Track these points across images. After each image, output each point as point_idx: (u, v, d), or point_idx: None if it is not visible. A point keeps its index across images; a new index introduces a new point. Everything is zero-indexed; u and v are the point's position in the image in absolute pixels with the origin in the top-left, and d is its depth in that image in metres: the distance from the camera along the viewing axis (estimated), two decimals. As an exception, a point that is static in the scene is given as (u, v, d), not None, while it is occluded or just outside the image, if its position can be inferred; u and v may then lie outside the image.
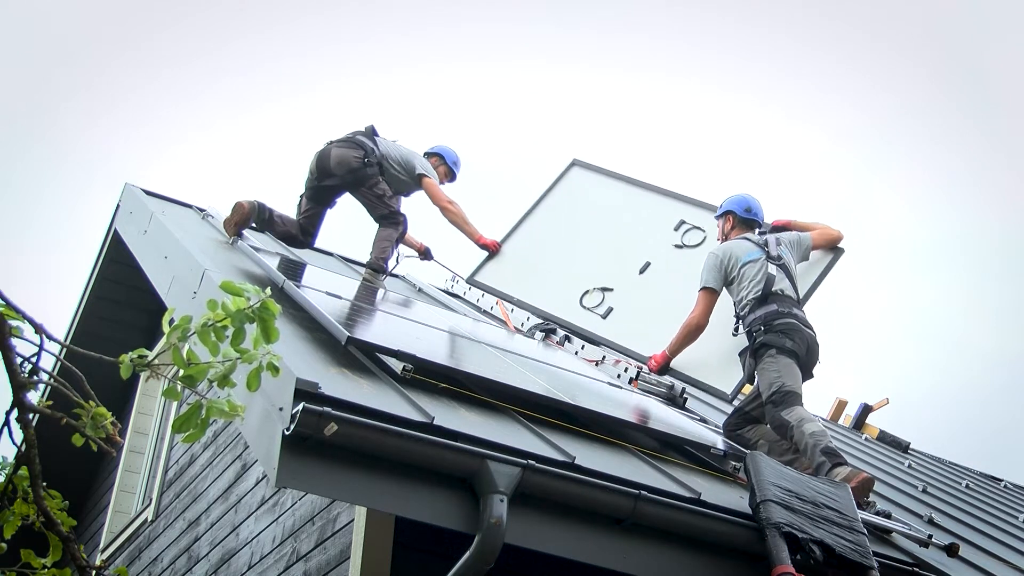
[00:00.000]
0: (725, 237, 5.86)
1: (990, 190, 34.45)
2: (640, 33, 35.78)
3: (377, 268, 6.62)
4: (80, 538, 8.51)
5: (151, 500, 7.35)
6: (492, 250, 7.18)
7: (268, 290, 2.30)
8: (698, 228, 6.64)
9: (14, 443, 2.35)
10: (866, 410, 10.70)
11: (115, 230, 7.74)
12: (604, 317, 6.56)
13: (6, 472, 2.48)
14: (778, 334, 5.22)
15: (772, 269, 5.44)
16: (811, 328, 5.36)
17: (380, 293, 6.03)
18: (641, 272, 6.63)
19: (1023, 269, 34.98)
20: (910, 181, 35.79)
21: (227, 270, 5.30)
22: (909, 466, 8.59)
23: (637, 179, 7.07)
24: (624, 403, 5.21)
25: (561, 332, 6.85)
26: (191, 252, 5.35)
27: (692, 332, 5.61)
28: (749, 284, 5.43)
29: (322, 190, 6.73)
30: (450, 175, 7.30)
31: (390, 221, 6.73)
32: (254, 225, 6.63)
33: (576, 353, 6.57)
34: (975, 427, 28.99)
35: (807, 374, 5.29)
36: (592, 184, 7.14)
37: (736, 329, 5.62)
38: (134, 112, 38.25)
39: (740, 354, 5.55)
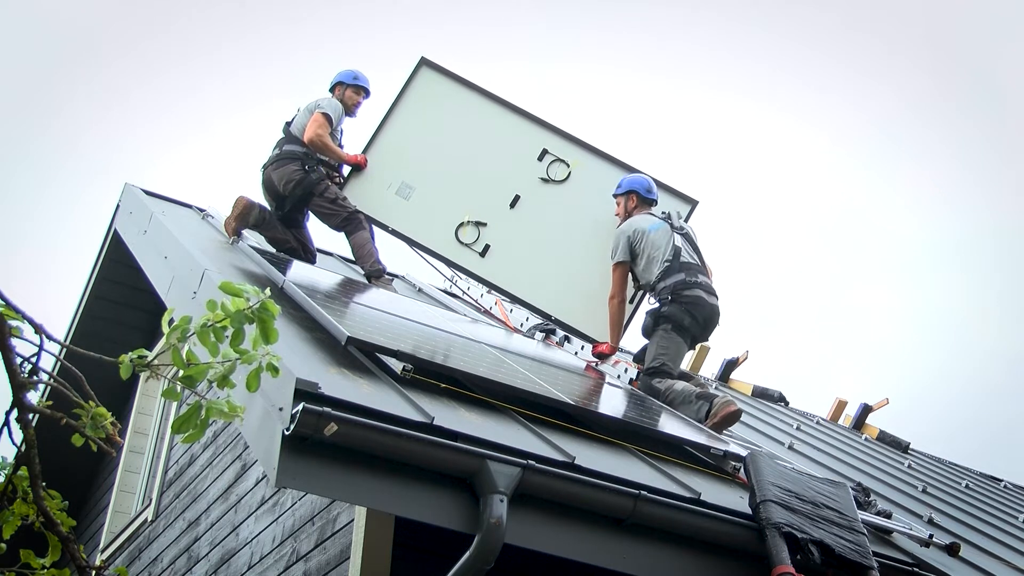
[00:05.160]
0: (628, 214, 6.40)
1: (989, 190, 34.47)
2: (639, 33, 35.78)
3: (377, 275, 6.59)
4: (80, 538, 8.51)
5: (151, 500, 7.34)
6: (362, 166, 6.75)
7: (268, 290, 2.30)
8: (562, 161, 6.78)
9: (14, 443, 2.35)
10: (866, 410, 10.70)
11: (115, 230, 7.74)
12: (482, 255, 6.64)
13: (6, 472, 2.48)
14: (681, 307, 5.83)
15: (678, 240, 6.05)
16: (715, 295, 5.96)
17: (380, 293, 6.02)
18: (512, 206, 6.71)
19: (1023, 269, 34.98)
20: (910, 181, 35.79)
21: (227, 270, 5.30)
22: (909, 466, 8.58)
23: (491, 92, 6.93)
24: (624, 403, 5.22)
25: (561, 332, 6.85)
26: (191, 252, 5.35)
27: (618, 309, 6.21)
28: (656, 252, 6.00)
29: (288, 215, 6.72)
30: (360, 92, 7.01)
31: (353, 225, 6.61)
32: (254, 225, 6.62)
33: (576, 353, 6.57)
34: (975, 427, 29.00)
35: (703, 339, 6.03)
36: (447, 92, 6.88)
37: (636, 296, 6.28)
38: (134, 112, 38.23)
39: (647, 312, 6.10)
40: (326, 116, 6.66)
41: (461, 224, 6.66)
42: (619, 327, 6.22)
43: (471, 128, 6.83)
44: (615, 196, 6.51)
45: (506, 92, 7.00)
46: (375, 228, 6.77)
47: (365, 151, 6.80)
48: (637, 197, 6.40)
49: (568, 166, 6.75)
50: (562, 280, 6.66)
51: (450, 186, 6.75)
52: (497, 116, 6.83)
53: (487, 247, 6.63)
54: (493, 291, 6.94)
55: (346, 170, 6.85)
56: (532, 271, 6.67)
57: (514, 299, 6.74)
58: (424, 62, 6.91)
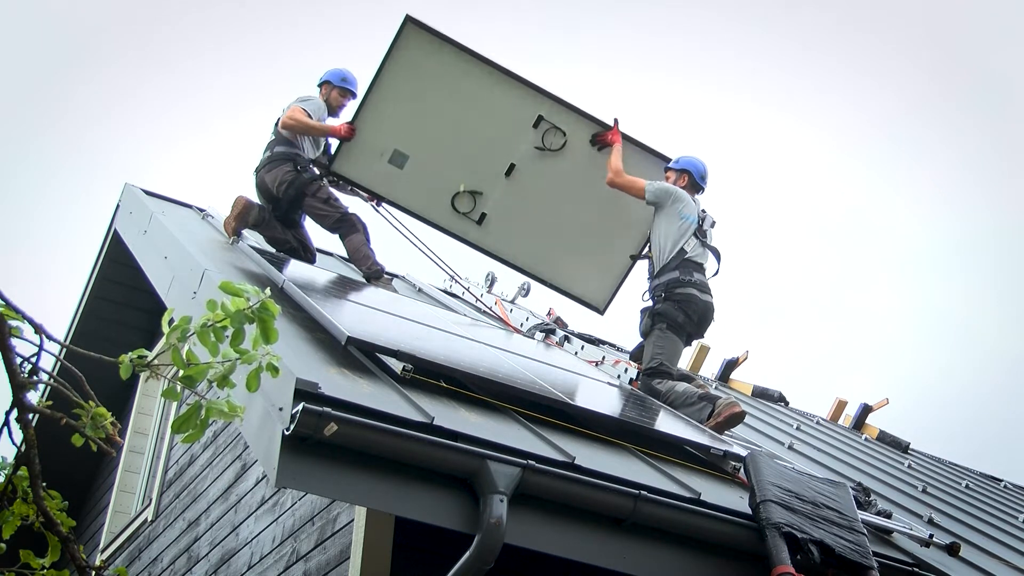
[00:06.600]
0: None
1: (989, 190, 34.46)
2: (639, 32, 35.79)
3: (376, 276, 6.56)
4: (80, 538, 8.51)
5: (151, 500, 7.34)
6: (350, 137, 6.51)
7: (268, 290, 2.30)
8: (558, 128, 6.58)
9: (14, 443, 2.35)
10: (866, 410, 10.70)
11: (115, 230, 7.73)
12: (479, 223, 6.62)
13: (6, 472, 2.48)
14: (674, 305, 5.92)
15: (692, 243, 6.10)
16: (708, 293, 6.04)
17: (380, 293, 6.02)
18: (508, 175, 6.60)
19: None
20: (911, 181, 35.79)
21: (227, 270, 5.30)
22: (909, 466, 8.58)
23: (481, 54, 6.58)
24: (624, 403, 5.22)
25: (561, 332, 6.85)
26: (191, 252, 5.35)
27: (610, 178, 6.32)
28: (670, 239, 6.06)
29: (286, 215, 6.69)
30: (345, 93, 6.90)
31: (347, 226, 6.56)
32: (253, 224, 6.61)
33: (576, 353, 6.58)
34: (975, 427, 28.98)
35: (698, 336, 6.12)
36: (435, 53, 6.47)
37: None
38: (134, 112, 38.23)
39: (641, 311, 6.17)
40: (303, 110, 6.64)
41: (457, 194, 6.60)
42: (617, 161, 6.34)
43: (462, 92, 6.57)
44: (668, 169, 6.49)
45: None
46: (369, 219, 6.76)
47: (354, 120, 6.57)
48: (689, 178, 6.39)
49: (564, 135, 6.57)
50: (560, 247, 6.73)
51: (444, 153, 6.61)
52: (488, 80, 6.54)
53: (484, 215, 6.61)
54: (491, 259, 6.86)
55: (334, 145, 6.77)
56: (529, 239, 6.70)
57: (512, 267, 6.76)
58: (410, 20, 6.50)
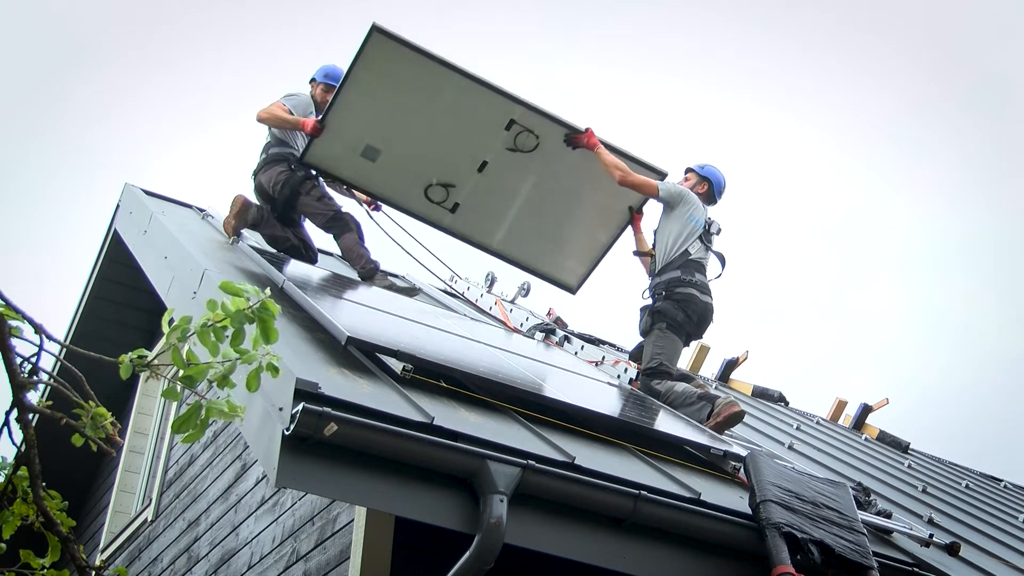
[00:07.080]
0: (691, 190, 6.47)
1: (990, 190, 34.45)
2: (638, 32, 35.79)
3: (371, 274, 6.55)
4: (80, 538, 8.51)
5: (151, 500, 7.34)
6: (316, 134, 6.43)
7: (268, 290, 2.30)
8: (530, 132, 6.50)
9: (14, 443, 2.35)
10: (866, 410, 10.70)
11: (115, 230, 7.74)
12: (452, 211, 6.70)
13: (6, 472, 2.48)
14: (674, 304, 5.94)
15: (697, 245, 6.12)
16: (709, 294, 6.07)
17: (380, 293, 6.02)
18: (480, 170, 6.62)
19: None
20: (911, 181, 35.79)
21: (227, 270, 5.30)
22: (909, 466, 8.58)
23: (450, 61, 6.39)
24: (624, 403, 5.22)
25: (561, 332, 6.85)
26: (191, 252, 5.35)
27: (610, 169, 6.27)
28: (675, 240, 6.10)
29: (284, 215, 6.69)
30: (328, 89, 6.87)
31: (340, 225, 6.56)
32: (252, 223, 6.61)
33: (576, 353, 6.58)
34: (975, 427, 28.97)
35: (697, 336, 6.14)
36: (403, 61, 6.29)
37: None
38: (134, 112, 38.24)
39: (641, 309, 6.17)
40: (283, 105, 6.67)
41: (430, 185, 6.63)
42: (608, 160, 6.30)
43: (432, 98, 6.49)
44: (690, 170, 6.53)
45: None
46: (367, 221, 6.78)
47: (324, 117, 6.49)
48: (708, 188, 6.44)
49: (537, 137, 6.50)
50: (533, 233, 6.82)
51: (416, 151, 6.60)
52: (458, 86, 6.42)
53: (457, 205, 6.68)
54: (465, 244, 6.88)
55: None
56: (503, 226, 6.79)
57: (486, 251, 6.84)
58: (376, 29, 6.28)
